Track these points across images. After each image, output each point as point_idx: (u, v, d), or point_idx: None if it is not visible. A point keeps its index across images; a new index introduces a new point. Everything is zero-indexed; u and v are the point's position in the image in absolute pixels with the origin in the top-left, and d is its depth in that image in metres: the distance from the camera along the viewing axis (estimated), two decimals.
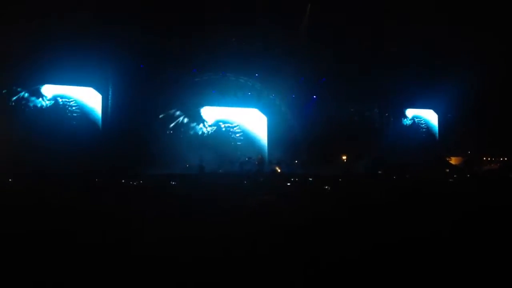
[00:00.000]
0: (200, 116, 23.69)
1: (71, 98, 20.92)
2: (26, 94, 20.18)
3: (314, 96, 24.10)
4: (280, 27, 19.85)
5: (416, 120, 27.39)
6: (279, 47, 20.61)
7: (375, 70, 22.47)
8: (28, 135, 19.63)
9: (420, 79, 23.40)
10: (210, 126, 23.79)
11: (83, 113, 21.01)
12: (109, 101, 20.99)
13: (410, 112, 27.33)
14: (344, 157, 22.76)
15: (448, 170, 22.31)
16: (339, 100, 21.80)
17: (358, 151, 22.08)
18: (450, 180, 16.95)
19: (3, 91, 19.74)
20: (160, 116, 22.72)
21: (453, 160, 24.68)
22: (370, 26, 20.46)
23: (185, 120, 23.43)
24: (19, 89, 20.05)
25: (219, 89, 22.87)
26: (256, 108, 23.72)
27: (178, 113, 23.28)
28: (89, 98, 21.06)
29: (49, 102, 20.61)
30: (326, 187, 10.70)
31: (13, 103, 19.94)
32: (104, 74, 20.38)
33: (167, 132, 23.05)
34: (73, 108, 20.95)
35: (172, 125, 23.18)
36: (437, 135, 26.81)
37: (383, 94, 23.84)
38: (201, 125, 23.68)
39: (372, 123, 24.67)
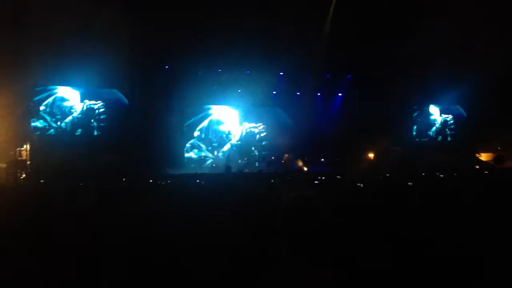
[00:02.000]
0: (226, 116, 23.76)
1: (98, 101, 21.15)
2: (52, 97, 20.52)
3: (340, 94, 23.96)
4: (306, 24, 19.71)
5: (443, 116, 27.02)
6: (304, 45, 20.44)
7: (401, 66, 22.15)
8: (56, 138, 20.04)
9: (447, 73, 22.96)
10: (235, 125, 23.83)
11: (110, 115, 21.18)
12: (135, 103, 21.11)
13: (437, 109, 26.97)
14: (372, 155, 22.48)
15: (478, 167, 21.86)
16: (366, 98, 21.51)
17: (385, 148, 21.77)
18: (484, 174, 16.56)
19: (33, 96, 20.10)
20: (187, 119, 22.89)
21: (483, 156, 24.18)
22: (396, 21, 20.21)
23: (211, 120, 23.52)
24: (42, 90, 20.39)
25: (245, 88, 22.85)
26: (281, 106, 23.64)
27: (203, 113, 23.39)
28: (115, 101, 21.19)
29: (75, 105, 20.89)
30: (359, 184, 10.50)
31: (39, 106, 20.28)
32: (129, 76, 20.50)
33: (193, 133, 23.18)
34: (100, 110, 21.17)
35: (199, 126, 23.30)
36: (466, 131, 26.31)
37: (409, 90, 23.47)
38: (226, 125, 23.74)
39: (399, 120, 24.34)
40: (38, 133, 19.94)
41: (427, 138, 26.68)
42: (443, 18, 19.58)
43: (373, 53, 21.00)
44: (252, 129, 23.99)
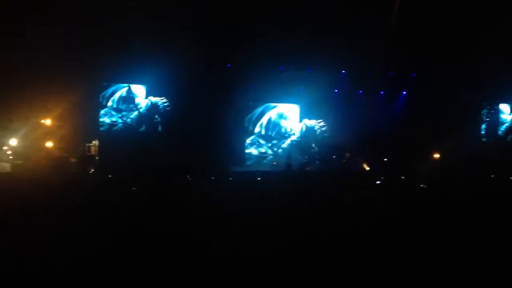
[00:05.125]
0: (286, 112, 23.72)
1: (162, 97, 21.63)
2: (118, 93, 21.19)
3: (404, 92, 23.38)
4: (369, 21, 19.33)
5: None
6: (367, 42, 20.06)
7: (469, 62, 21.29)
8: (122, 134, 20.69)
9: None
10: (295, 122, 23.75)
11: (174, 111, 21.58)
12: (198, 99, 21.38)
13: (508, 107, 25.76)
14: (437, 155, 21.78)
15: None
16: (432, 95, 20.88)
17: (451, 149, 21.04)
18: None
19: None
20: (248, 115, 23.03)
21: None
22: (463, 16, 19.48)
23: (272, 118, 23.56)
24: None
25: (306, 86, 22.73)
26: (343, 105, 23.33)
27: (265, 111, 23.47)
28: (179, 97, 21.52)
29: (140, 101, 21.46)
30: (422, 185, 10.24)
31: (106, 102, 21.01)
32: (193, 73, 20.79)
33: (255, 130, 23.31)
34: (164, 106, 21.64)
35: (259, 123, 23.40)
36: None
37: (478, 87, 22.55)
38: (288, 122, 23.70)
39: (467, 118, 23.44)
40: (104, 128, 20.67)
41: (496, 138, 25.54)
42: None
43: (439, 49, 20.36)
44: (312, 125, 23.82)
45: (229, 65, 21.44)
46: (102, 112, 20.87)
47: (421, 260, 4.82)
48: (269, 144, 23.54)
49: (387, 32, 20.68)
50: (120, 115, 21.08)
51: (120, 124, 21.04)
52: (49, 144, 19.00)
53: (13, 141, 18.77)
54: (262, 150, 23.36)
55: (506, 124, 25.64)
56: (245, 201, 9.22)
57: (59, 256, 4.90)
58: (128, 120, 21.13)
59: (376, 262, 4.79)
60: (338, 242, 5.50)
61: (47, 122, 19.51)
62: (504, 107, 25.60)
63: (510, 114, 25.73)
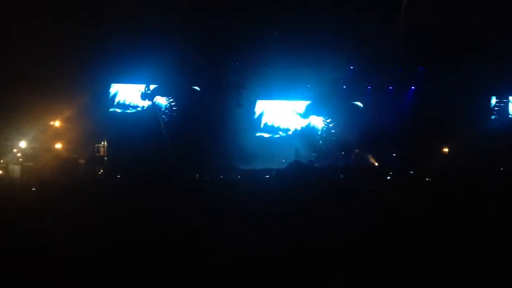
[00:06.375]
0: (295, 110, 23.67)
1: (169, 97, 21.68)
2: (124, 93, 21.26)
3: (413, 87, 23.21)
4: (375, 15, 19.25)
5: None
6: (374, 37, 19.98)
7: (477, 56, 21.09)
8: (130, 134, 20.75)
9: None
10: (305, 120, 23.69)
11: (181, 111, 21.62)
12: (206, 98, 21.43)
13: None
14: (446, 149, 21.64)
15: None
16: (439, 90, 20.72)
17: (460, 143, 20.89)
18: None
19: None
20: (255, 112, 23.03)
21: None
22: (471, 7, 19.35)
23: (281, 114, 23.53)
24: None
25: (314, 82, 22.65)
26: (351, 101, 23.25)
27: (272, 107, 23.44)
28: (187, 96, 21.55)
29: (147, 100, 21.48)
30: (427, 178, 10.25)
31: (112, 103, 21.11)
32: (200, 72, 20.83)
33: (262, 127, 23.30)
34: (171, 105, 21.70)
35: (271, 119, 23.39)
36: None
37: (487, 81, 22.32)
38: (296, 119, 23.65)
39: (476, 112, 23.21)
40: (112, 128, 20.69)
41: (506, 130, 25.20)
42: None
43: (447, 43, 20.23)
44: (320, 122, 23.75)
45: (238, 63, 21.41)
46: (110, 112, 20.94)
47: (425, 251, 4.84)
48: (276, 139, 23.52)
49: (395, 27, 20.61)
50: (127, 115, 21.14)
51: (128, 124, 21.05)
52: (58, 145, 19.11)
53: (23, 144, 18.87)
54: (269, 146, 23.33)
55: None
56: (253, 199, 9.23)
57: (69, 254, 4.95)
58: (136, 119, 21.15)
59: (383, 255, 4.79)
60: (348, 235, 5.51)
61: (56, 124, 19.62)
62: None
63: None
